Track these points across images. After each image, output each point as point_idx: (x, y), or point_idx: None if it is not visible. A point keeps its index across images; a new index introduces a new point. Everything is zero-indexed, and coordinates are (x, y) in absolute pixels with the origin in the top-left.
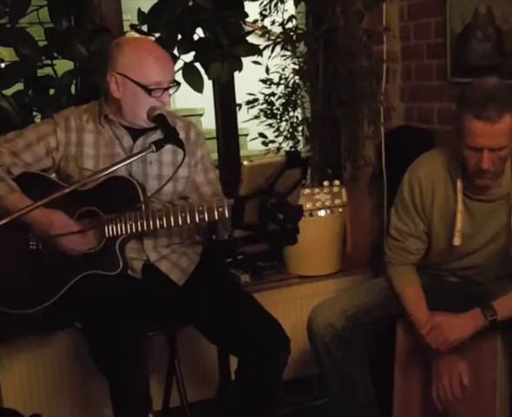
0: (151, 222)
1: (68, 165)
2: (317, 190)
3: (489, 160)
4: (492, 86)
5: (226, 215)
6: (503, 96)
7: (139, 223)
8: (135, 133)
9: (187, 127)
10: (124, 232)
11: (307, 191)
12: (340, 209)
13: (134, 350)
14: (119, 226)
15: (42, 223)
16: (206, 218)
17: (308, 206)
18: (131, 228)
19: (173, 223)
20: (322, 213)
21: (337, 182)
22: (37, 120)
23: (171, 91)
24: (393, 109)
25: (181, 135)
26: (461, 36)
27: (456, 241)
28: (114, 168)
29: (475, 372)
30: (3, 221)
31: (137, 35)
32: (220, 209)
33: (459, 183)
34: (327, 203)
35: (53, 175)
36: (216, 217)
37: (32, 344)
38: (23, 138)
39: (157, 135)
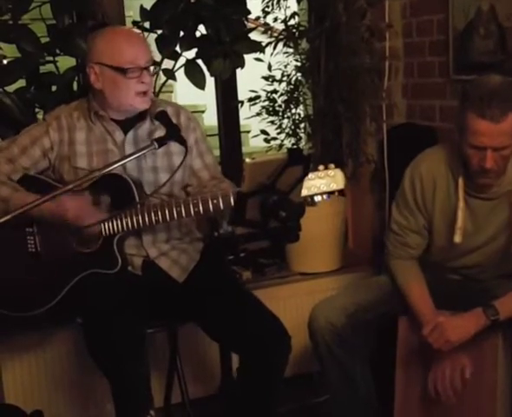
0: (147, 218)
1: (62, 165)
2: (312, 175)
3: (492, 159)
4: (495, 84)
5: (221, 206)
6: (506, 95)
7: (134, 220)
8: (126, 126)
9: (176, 112)
10: (120, 229)
11: None
12: (336, 194)
13: (134, 347)
14: (115, 224)
15: (56, 213)
16: (201, 210)
17: (304, 193)
18: (127, 225)
19: (168, 218)
20: (318, 198)
21: (332, 166)
22: (39, 116)
23: (151, 71)
24: (395, 106)
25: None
26: (463, 33)
27: (457, 239)
28: (111, 167)
29: (477, 370)
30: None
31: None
32: (215, 201)
33: (461, 181)
34: (323, 188)
35: None
36: (211, 209)
37: (33, 340)
38: (17, 144)
39: (147, 126)
